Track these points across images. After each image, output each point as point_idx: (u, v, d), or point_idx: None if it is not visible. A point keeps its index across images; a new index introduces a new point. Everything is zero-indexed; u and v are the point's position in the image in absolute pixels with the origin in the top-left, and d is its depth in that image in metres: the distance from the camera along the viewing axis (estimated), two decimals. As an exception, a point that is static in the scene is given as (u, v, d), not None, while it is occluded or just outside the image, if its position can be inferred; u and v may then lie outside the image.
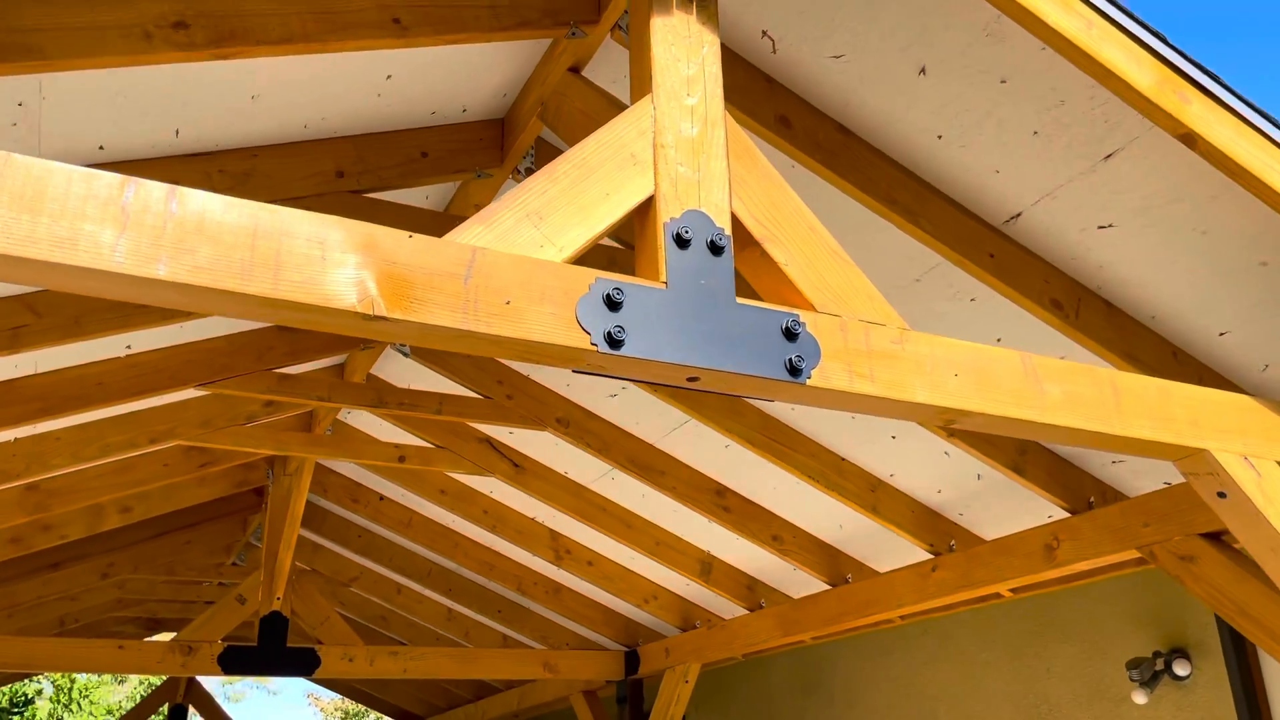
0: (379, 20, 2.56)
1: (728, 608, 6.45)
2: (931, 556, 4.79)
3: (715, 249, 2.22)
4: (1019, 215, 3.21)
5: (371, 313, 1.85)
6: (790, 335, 2.23)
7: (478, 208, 3.76)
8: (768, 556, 5.69)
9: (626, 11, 2.78)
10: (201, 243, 1.74)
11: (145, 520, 6.87)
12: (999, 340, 3.71)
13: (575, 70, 3.07)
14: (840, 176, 3.08)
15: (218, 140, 3.04)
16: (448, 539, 7.17)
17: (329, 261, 1.84)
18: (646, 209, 2.24)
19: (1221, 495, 2.74)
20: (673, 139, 2.29)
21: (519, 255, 2.01)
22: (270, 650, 6.49)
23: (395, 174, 3.32)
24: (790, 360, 2.19)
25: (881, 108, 3.05)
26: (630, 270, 2.59)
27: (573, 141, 2.99)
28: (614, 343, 2.03)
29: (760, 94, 3.05)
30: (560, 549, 6.61)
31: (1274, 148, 2.66)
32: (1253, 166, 2.60)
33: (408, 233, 1.93)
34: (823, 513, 5.21)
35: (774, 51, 3.00)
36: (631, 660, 7.42)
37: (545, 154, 3.57)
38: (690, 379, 2.17)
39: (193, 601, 9.10)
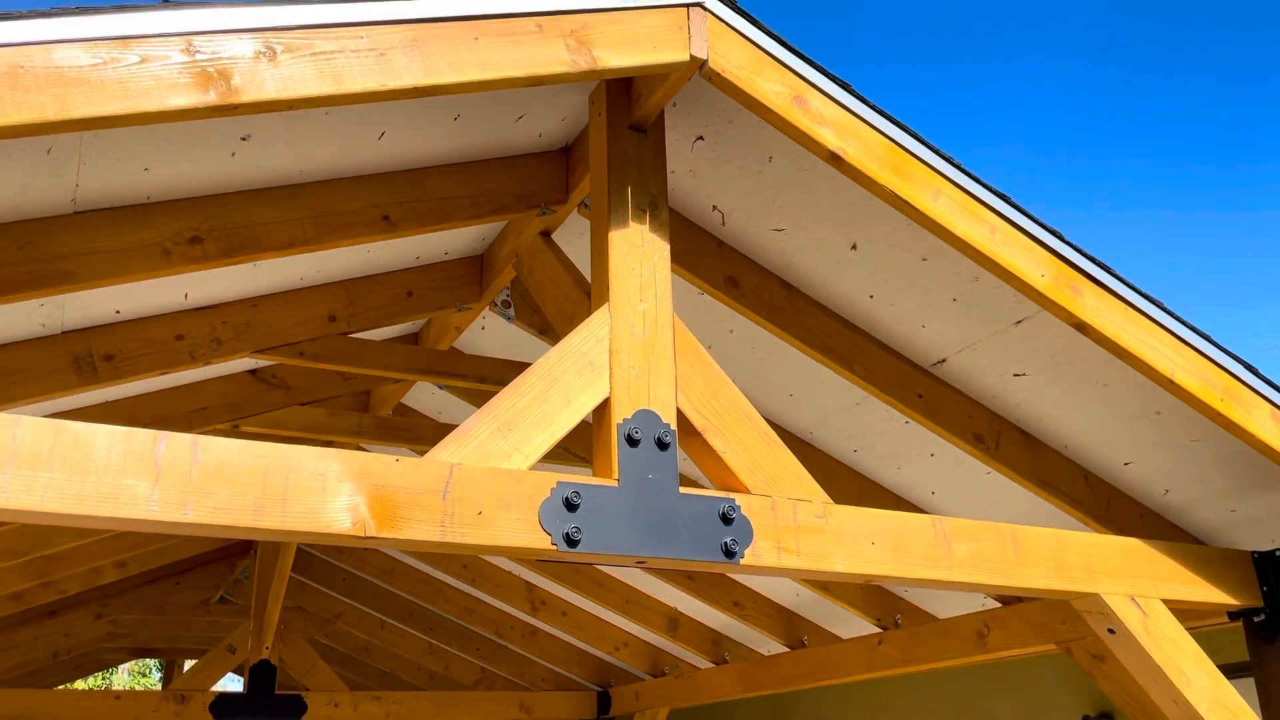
0: (371, 219, 2.89)
1: (695, 658, 6.82)
2: (879, 630, 5.17)
3: (662, 445, 2.57)
4: (944, 360, 3.57)
5: (364, 534, 2.18)
6: (726, 520, 2.58)
7: (458, 330, 4.09)
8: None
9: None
10: (221, 485, 2.07)
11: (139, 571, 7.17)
12: (932, 455, 4.08)
13: (546, 234, 3.40)
14: (783, 330, 3.43)
15: (222, 296, 3.37)
16: (429, 586, 7.51)
17: (328, 490, 2.17)
18: (603, 410, 2.58)
19: (1111, 631, 3.11)
20: (626, 344, 2.63)
21: (490, 467, 2.35)
22: (259, 698, 6.80)
23: (383, 314, 3.64)
24: (726, 544, 2.54)
25: (818, 272, 3.40)
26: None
27: (541, 300, 3.33)
28: (572, 542, 2.38)
29: (711, 257, 3.39)
30: (536, 600, 6.96)
31: (1158, 330, 3.03)
32: (1136, 349, 2.97)
33: (395, 457, 2.26)
34: (780, 581, 5.57)
35: (723, 224, 3.35)
36: (604, 701, 7.78)
37: (519, 289, 3.90)
38: (639, 562, 2.52)
39: (180, 634, 9.40)
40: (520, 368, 4.11)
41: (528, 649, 7.70)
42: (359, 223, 2.87)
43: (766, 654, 6.17)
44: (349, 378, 4.18)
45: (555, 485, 2.40)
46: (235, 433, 4.20)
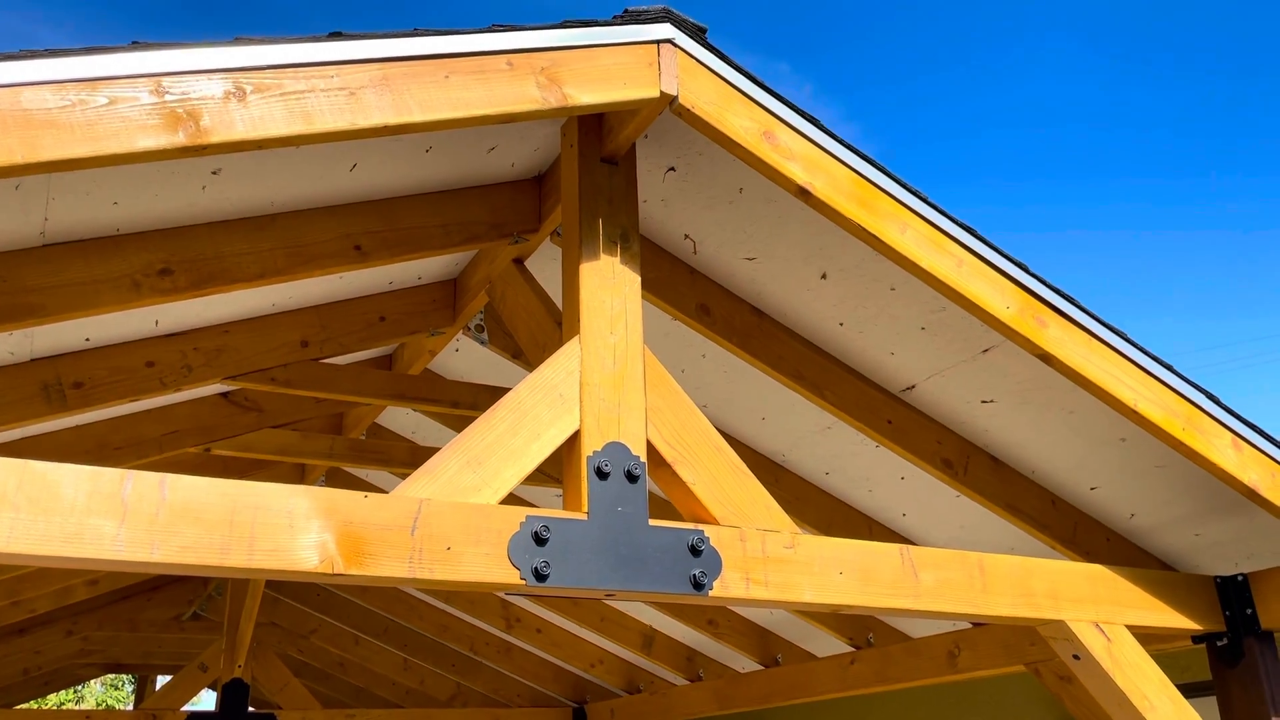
0: (342, 249, 2.89)
1: (670, 675, 6.83)
2: (852, 649, 5.20)
3: (631, 477, 2.58)
4: (913, 386, 3.60)
5: (332, 571, 2.19)
6: (695, 551, 2.59)
7: (431, 353, 4.09)
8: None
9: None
10: (187, 524, 2.07)
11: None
12: (903, 479, 4.11)
13: (519, 261, 3.42)
14: (754, 356, 3.46)
15: (193, 322, 3.36)
16: (403, 603, 7.49)
17: (296, 528, 2.17)
18: (573, 443, 2.59)
19: (1076, 657, 3.15)
20: (597, 376, 2.64)
21: (459, 502, 2.36)
22: (232, 717, 6.76)
23: (355, 339, 3.64)
24: (694, 576, 2.56)
25: (789, 299, 3.43)
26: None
27: (514, 328, 3.34)
28: (540, 576, 2.39)
29: (683, 284, 3.42)
30: (511, 618, 6.96)
31: (1121, 360, 3.08)
32: (1100, 380, 3.02)
33: (364, 493, 2.27)
34: (755, 599, 5.59)
35: (695, 252, 3.37)
36: (579, 717, 7.78)
37: (492, 313, 3.91)
38: (608, 595, 2.53)
39: (153, 650, 9.32)
40: (493, 392, 4.12)
41: (503, 665, 7.69)
42: (330, 253, 2.87)
43: (741, 671, 6.20)
44: (322, 400, 4.17)
45: (524, 519, 2.42)
46: (203, 468, 4.19)
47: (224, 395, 4.11)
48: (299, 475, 5.34)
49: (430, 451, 4.67)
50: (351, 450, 4.40)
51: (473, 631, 7.58)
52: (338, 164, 2.76)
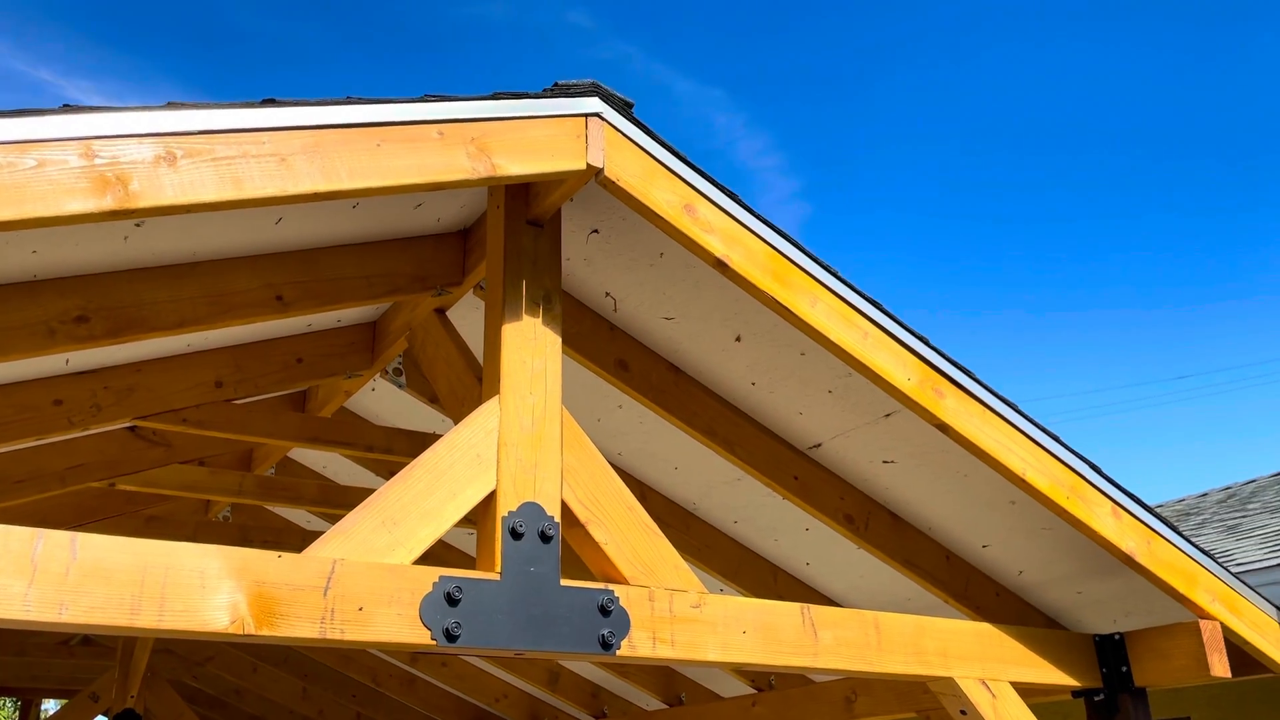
0: (264, 299, 2.90)
1: (575, 711, 6.86)
2: (754, 691, 5.31)
3: (545, 538, 2.65)
4: (820, 444, 3.74)
5: (242, 631, 2.20)
6: (605, 611, 2.67)
7: (347, 394, 4.10)
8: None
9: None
10: (97, 584, 2.07)
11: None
12: (808, 530, 4.25)
13: (441, 311, 3.46)
14: (669, 412, 3.55)
15: (104, 361, 3.32)
16: (307, 632, 7.37)
17: (208, 588, 2.18)
18: (488, 503, 2.64)
19: (963, 712, 3.31)
20: (515, 436, 2.70)
21: (372, 563, 2.39)
22: (122, 748, 6.56)
23: (271, 381, 3.63)
24: (603, 636, 2.63)
25: (705, 358, 3.54)
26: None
27: (433, 378, 3.38)
28: (451, 637, 2.43)
29: (603, 340, 3.50)
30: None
31: (1013, 431, 3.25)
32: (992, 450, 3.19)
33: (277, 553, 2.29)
34: (661, 639, 5.68)
35: (615, 310, 3.46)
36: (482, 750, 7.74)
37: (410, 357, 3.93)
38: (517, 654, 2.59)
39: (40, 675, 8.99)
40: (409, 437, 4.14)
41: (406, 697, 7.62)
42: (252, 303, 2.88)
43: (646, 709, 6.27)
44: (233, 440, 4.13)
45: (437, 579, 2.46)
46: (107, 501, 4.11)
47: (131, 429, 4.05)
48: (204, 509, 5.26)
49: (341, 490, 4.66)
50: (260, 487, 4.36)
51: (375, 662, 7.50)
52: (264, 217, 2.77)
